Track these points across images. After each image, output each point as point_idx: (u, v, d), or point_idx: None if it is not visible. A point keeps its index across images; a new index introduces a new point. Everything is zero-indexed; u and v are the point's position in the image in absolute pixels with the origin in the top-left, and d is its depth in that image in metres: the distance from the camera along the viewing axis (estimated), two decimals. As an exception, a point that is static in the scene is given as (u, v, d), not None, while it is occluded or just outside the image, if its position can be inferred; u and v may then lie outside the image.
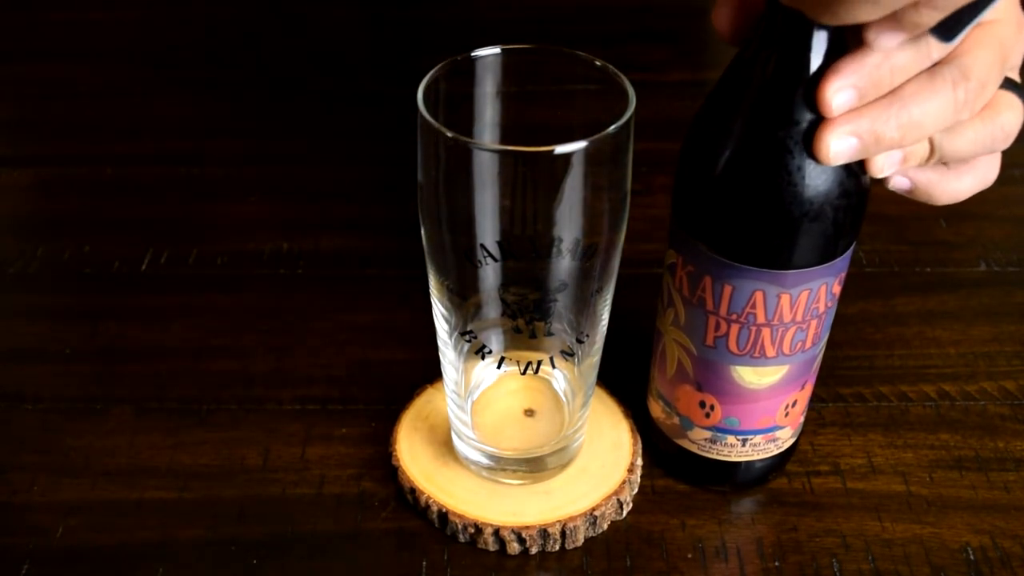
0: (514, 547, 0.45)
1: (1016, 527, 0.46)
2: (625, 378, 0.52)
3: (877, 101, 0.35)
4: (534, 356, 0.44)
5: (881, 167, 0.37)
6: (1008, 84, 0.39)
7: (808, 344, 0.42)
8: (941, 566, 0.44)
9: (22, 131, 0.77)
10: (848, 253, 0.40)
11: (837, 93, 0.34)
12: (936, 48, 0.34)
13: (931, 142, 0.38)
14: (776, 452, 0.46)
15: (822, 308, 0.41)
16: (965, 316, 0.58)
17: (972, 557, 0.45)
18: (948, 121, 0.36)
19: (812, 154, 0.35)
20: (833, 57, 0.35)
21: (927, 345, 0.56)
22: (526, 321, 0.42)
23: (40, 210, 0.68)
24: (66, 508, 0.47)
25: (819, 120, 0.35)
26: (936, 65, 0.35)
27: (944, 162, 0.39)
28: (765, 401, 0.43)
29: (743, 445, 0.45)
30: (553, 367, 0.44)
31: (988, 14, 0.35)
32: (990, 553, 0.45)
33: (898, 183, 0.39)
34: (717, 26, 0.39)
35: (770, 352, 0.41)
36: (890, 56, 0.34)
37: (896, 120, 0.35)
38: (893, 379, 0.54)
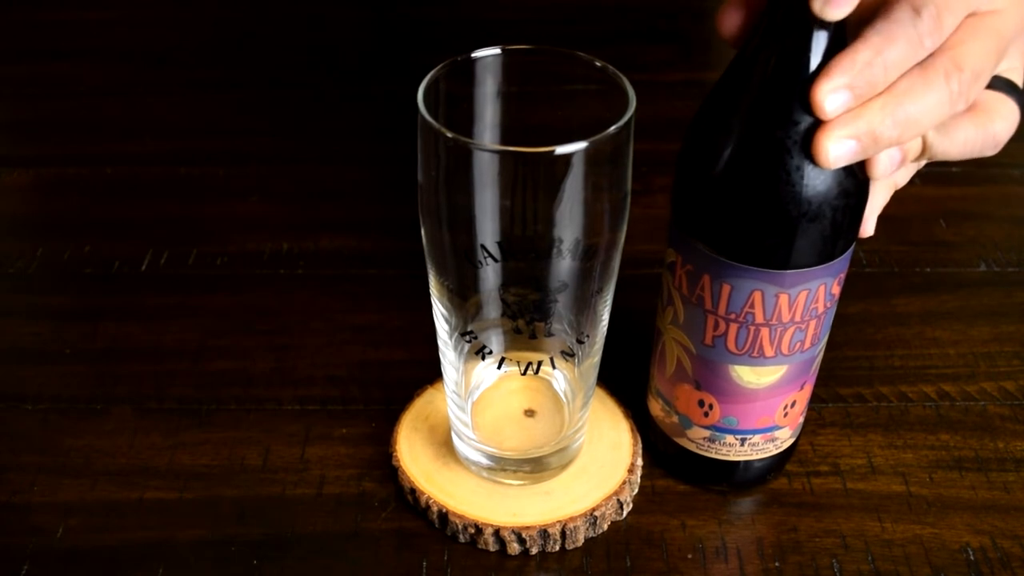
0: (514, 547, 0.45)
1: (1016, 527, 0.46)
2: (625, 378, 0.52)
3: (872, 100, 0.34)
4: (534, 356, 0.44)
5: (884, 169, 0.37)
6: (1008, 88, 0.39)
7: (807, 344, 0.42)
8: (941, 566, 0.44)
9: (22, 131, 0.77)
10: (847, 254, 0.40)
11: (830, 95, 0.34)
12: (928, 37, 0.34)
13: (924, 140, 0.37)
14: (775, 452, 0.46)
15: (821, 308, 0.41)
16: (965, 316, 0.58)
17: (972, 557, 0.45)
18: (945, 114, 0.35)
19: (812, 158, 0.35)
20: (833, 57, 0.35)
21: (927, 345, 0.56)
22: (526, 321, 0.42)
23: (40, 210, 0.68)
24: (66, 508, 0.47)
25: (818, 120, 0.35)
26: (929, 58, 0.35)
27: (931, 160, 0.39)
28: (764, 401, 0.43)
29: (742, 445, 0.45)
30: (553, 367, 0.44)
31: (987, 4, 0.35)
32: (990, 553, 0.45)
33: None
34: (723, 29, 0.38)
35: (768, 352, 0.41)
36: (881, 52, 0.33)
37: (892, 118, 0.34)
38: (893, 379, 0.54)
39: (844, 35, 0.35)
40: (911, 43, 0.34)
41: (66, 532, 0.46)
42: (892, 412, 0.52)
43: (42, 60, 0.86)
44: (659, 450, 0.49)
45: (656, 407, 0.47)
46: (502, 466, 0.46)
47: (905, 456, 0.50)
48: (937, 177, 0.69)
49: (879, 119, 0.34)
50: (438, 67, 0.40)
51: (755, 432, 0.45)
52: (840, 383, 0.54)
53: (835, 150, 0.34)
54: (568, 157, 0.36)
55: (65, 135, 0.76)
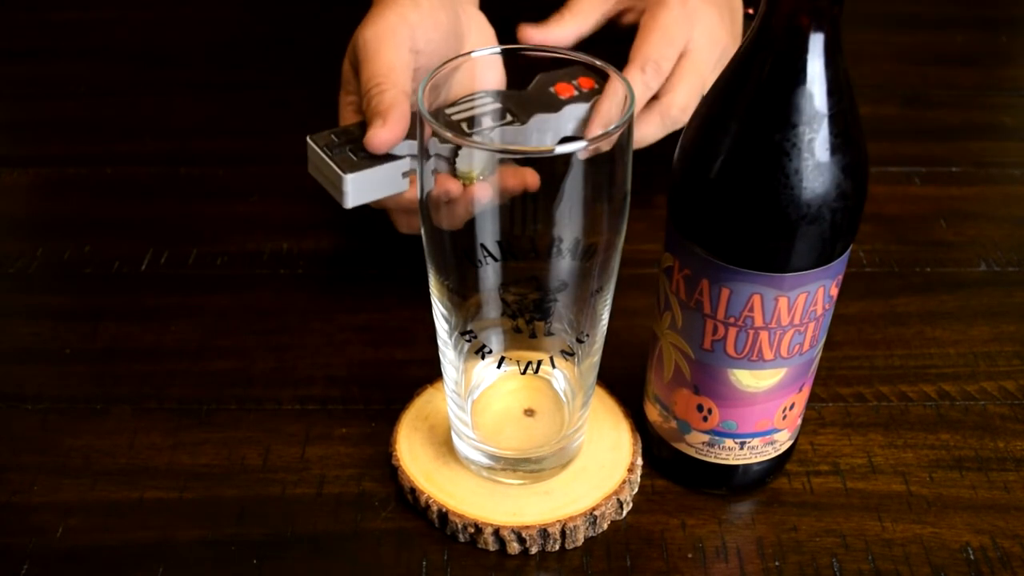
0: (514, 547, 0.45)
1: (1016, 527, 0.46)
2: (625, 378, 0.52)
3: None
4: (534, 356, 0.44)
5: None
6: None
7: (806, 347, 0.42)
8: (941, 566, 0.44)
9: (22, 131, 0.77)
10: (845, 255, 0.40)
11: None
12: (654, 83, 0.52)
13: None
14: (774, 455, 0.46)
15: (820, 311, 0.41)
16: (965, 316, 0.58)
17: (972, 557, 0.45)
18: (657, 138, 0.58)
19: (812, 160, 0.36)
20: (830, 60, 0.35)
21: (927, 345, 0.56)
22: (526, 321, 0.42)
23: (40, 210, 0.68)
24: (66, 508, 0.47)
25: (815, 124, 0.35)
26: (652, 100, 0.55)
27: None
28: (763, 404, 0.43)
29: (741, 448, 0.45)
30: (553, 367, 0.44)
31: (691, 44, 0.55)
32: (990, 553, 0.45)
33: None
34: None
35: (768, 355, 0.41)
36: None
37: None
38: (893, 379, 0.54)
39: (840, 37, 0.35)
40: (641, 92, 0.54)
41: (66, 532, 0.46)
42: (892, 412, 0.52)
43: (42, 60, 0.86)
44: (653, 454, 0.49)
45: (653, 412, 0.47)
46: (502, 465, 0.46)
47: (905, 456, 0.50)
48: (937, 177, 0.69)
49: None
50: (438, 67, 0.40)
51: (754, 435, 0.44)
52: (840, 383, 0.54)
53: None
54: (568, 157, 0.36)
55: (65, 135, 0.76)
